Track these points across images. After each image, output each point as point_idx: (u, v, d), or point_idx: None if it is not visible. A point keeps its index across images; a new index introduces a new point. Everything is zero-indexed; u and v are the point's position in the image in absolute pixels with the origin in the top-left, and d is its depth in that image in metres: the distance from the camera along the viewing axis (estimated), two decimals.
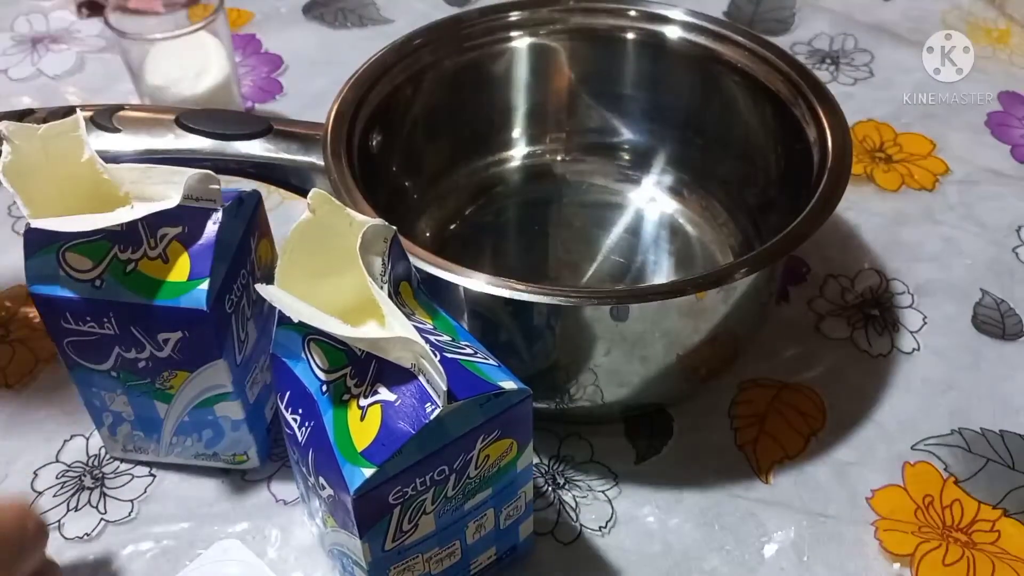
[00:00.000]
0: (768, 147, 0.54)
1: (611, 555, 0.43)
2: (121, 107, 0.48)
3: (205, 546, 0.43)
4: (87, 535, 0.44)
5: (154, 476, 0.46)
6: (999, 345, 0.52)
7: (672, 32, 0.54)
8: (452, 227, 0.57)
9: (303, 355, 0.35)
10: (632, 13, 0.55)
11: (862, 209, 0.59)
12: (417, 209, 0.56)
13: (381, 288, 0.33)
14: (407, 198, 0.56)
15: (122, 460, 0.46)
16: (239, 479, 0.46)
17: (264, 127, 0.47)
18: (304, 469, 0.35)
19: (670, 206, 0.57)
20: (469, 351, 0.34)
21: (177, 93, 0.61)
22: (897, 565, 0.43)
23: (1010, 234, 0.58)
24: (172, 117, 0.47)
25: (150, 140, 0.47)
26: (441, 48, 0.54)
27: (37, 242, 0.39)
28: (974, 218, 0.59)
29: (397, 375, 0.32)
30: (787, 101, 0.50)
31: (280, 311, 0.34)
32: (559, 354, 0.44)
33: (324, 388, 0.34)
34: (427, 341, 0.32)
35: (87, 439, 0.48)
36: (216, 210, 0.37)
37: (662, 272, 0.54)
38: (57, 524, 0.45)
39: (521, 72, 0.58)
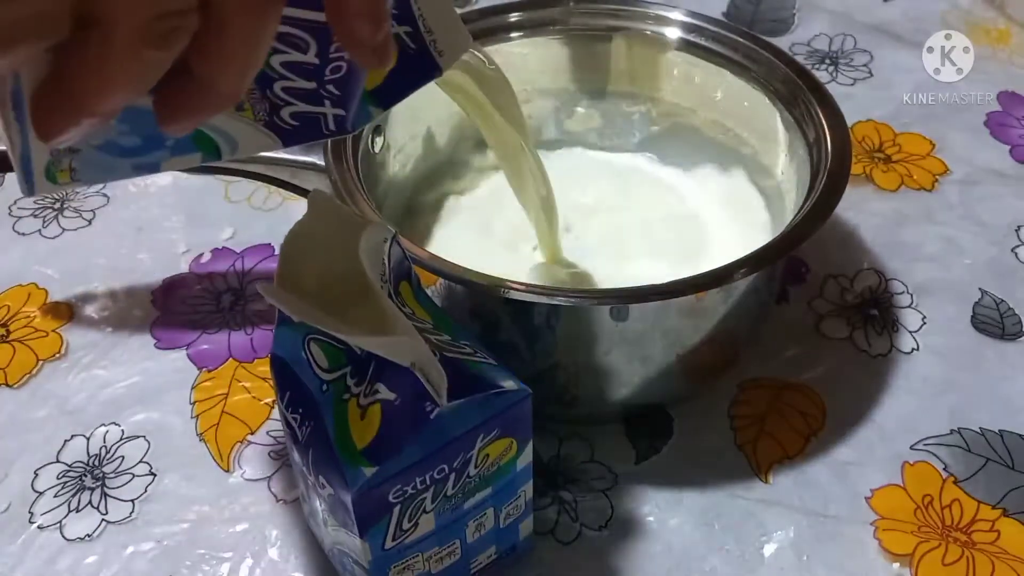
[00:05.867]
0: None
1: (611, 555, 0.43)
2: None
3: (206, 546, 0.44)
4: (88, 536, 0.44)
5: (155, 475, 0.46)
6: (999, 345, 0.52)
7: (672, 32, 0.54)
8: None
9: (303, 355, 0.35)
10: (632, 13, 0.55)
11: (862, 209, 0.59)
12: None
13: (381, 288, 0.33)
14: None
15: None
16: (240, 479, 0.46)
17: None
18: (304, 468, 0.35)
19: None
20: (469, 351, 0.34)
21: None
22: (897, 565, 0.43)
23: (1010, 234, 0.58)
24: None
25: None
26: None
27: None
28: (974, 218, 0.59)
29: (397, 374, 0.32)
30: (787, 101, 0.50)
31: (280, 311, 0.34)
32: (559, 354, 0.44)
33: (324, 387, 0.34)
34: (427, 341, 0.32)
35: (87, 439, 0.48)
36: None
37: None
38: (58, 525, 0.45)
39: (521, 72, 0.58)
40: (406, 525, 0.35)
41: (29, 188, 0.28)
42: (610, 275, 0.51)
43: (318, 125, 0.32)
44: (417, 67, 0.33)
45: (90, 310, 0.54)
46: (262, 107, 0.31)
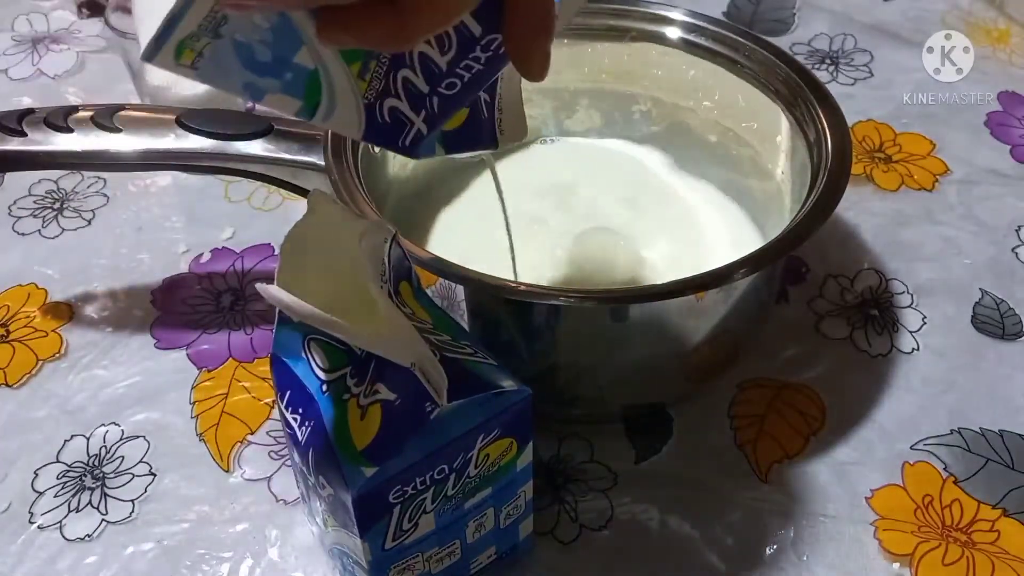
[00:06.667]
0: None
1: (611, 555, 0.43)
2: (122, 107, 0.48)
3: (206, 546, 0.44)
4: (88, 536, 0.44)
5: (155, 475, 0.46)
6: (999, 345, 0.52)
7: (672, 32, 0.54)
8: None
9: (303, 355, 0.35)
10: (632, 13, 0.55)
11: (862, 209, 0.59)
12: None
13: (381, 288, 0.33)
14: None
15: None
16: (240, 479, 0.46)
17: (265, 127, 0.47)
18: (304, 469, 0.35)
19: None
20: (469, 351, 0.34)
21: (178, 93, 0.61)
22: (897, 565, 0.43)
23: (1010, 234, 0.58)
24: (173, 117, 0.47)
25: (151, 140, 0.47)
26: None
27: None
28: (974, 218, 0.59)
29: (397, 374, 0.32)
30: (787, 101, 0.50)
31: (280, 311, 0.34)
32: (559, 354, 0.44)
33: (324, 388, 0.34)
34: (427, 341, 0.32)
35: (87, 439, 0.48)
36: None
37: None
38: (58, 525, 0.45)
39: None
40: (406, 525, 0.35)
41: (155, 49, 0.28)
42: (608, 274, 0.51)
43: (398, 134, 0.33)
44: (482, 131, 0.35)
45: (90, 310, 0.54)
46: (376, 86, 0.31)
